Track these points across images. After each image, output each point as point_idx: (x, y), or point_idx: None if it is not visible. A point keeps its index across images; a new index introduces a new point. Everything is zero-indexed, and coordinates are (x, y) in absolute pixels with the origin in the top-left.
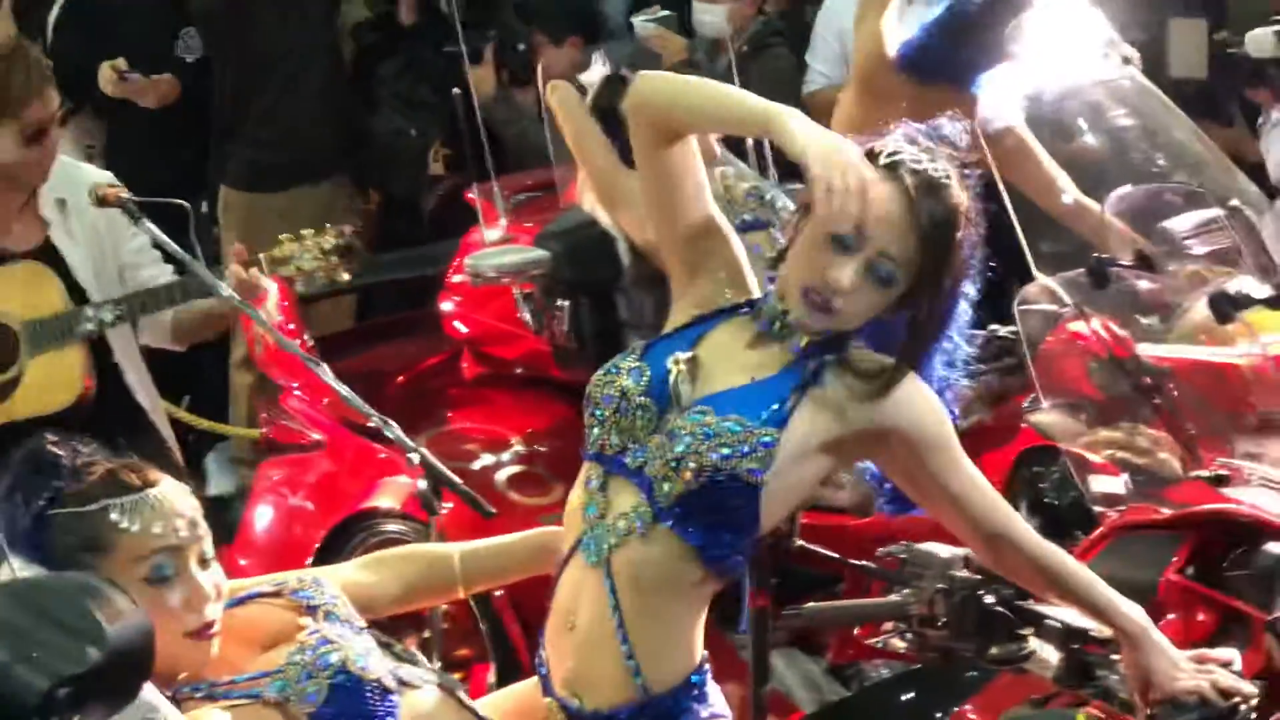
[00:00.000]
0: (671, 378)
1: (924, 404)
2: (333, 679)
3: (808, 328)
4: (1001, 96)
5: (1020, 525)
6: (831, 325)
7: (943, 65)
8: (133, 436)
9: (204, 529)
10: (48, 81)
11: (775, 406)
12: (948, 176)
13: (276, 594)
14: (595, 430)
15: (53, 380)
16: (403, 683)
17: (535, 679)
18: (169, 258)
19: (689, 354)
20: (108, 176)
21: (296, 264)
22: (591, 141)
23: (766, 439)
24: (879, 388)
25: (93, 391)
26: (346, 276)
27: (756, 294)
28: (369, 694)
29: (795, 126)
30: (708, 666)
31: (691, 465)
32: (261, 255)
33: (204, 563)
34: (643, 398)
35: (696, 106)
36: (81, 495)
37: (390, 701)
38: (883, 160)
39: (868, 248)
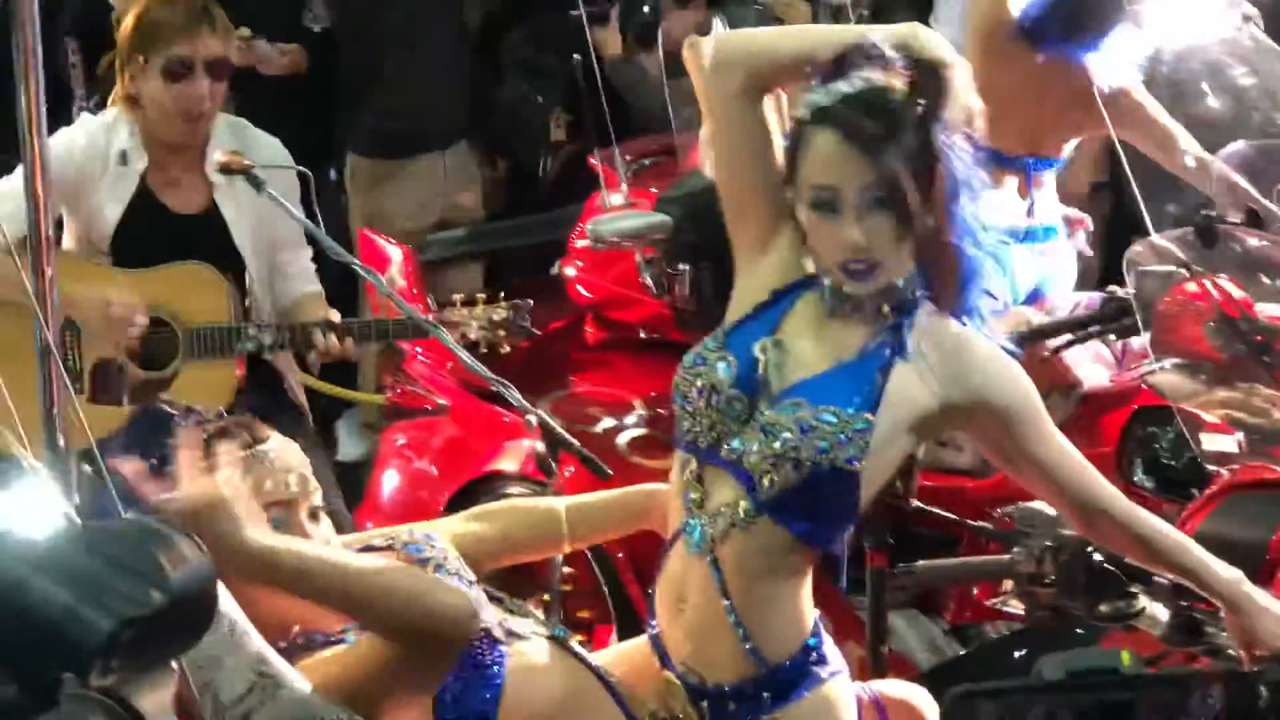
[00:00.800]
0: (760, 368)
1: (1009, 376)
2: None
3: (867, 294)
4: (1117, 57)
5: (1110, 493)
6: (883, 280)
7: (1058, 35)
8: (275, 409)
9: (314, 484)
10: (204, 22)
11: (866, 389)
12: (872, 88)
13: (388, 548)
14: (686, 423)
15: (207, 384)
16: (511, 634)
17: (636, 643)
18: (309, 238)
19: (774, 338)
20: (277, 144)
21: (463, 330)
22: None
23: (861, 425)
24: (961, 359)
25: (244, 385)
26: (508, 349)
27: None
28: (477, 643)
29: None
30: (821, 628)
31: (792, 460)
32: (431, 318)
33: (314, 516)
34: (733, 389)
35: (777, 44)
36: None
37: (498, 651)
38: (804, 115)
39: (848, 195)
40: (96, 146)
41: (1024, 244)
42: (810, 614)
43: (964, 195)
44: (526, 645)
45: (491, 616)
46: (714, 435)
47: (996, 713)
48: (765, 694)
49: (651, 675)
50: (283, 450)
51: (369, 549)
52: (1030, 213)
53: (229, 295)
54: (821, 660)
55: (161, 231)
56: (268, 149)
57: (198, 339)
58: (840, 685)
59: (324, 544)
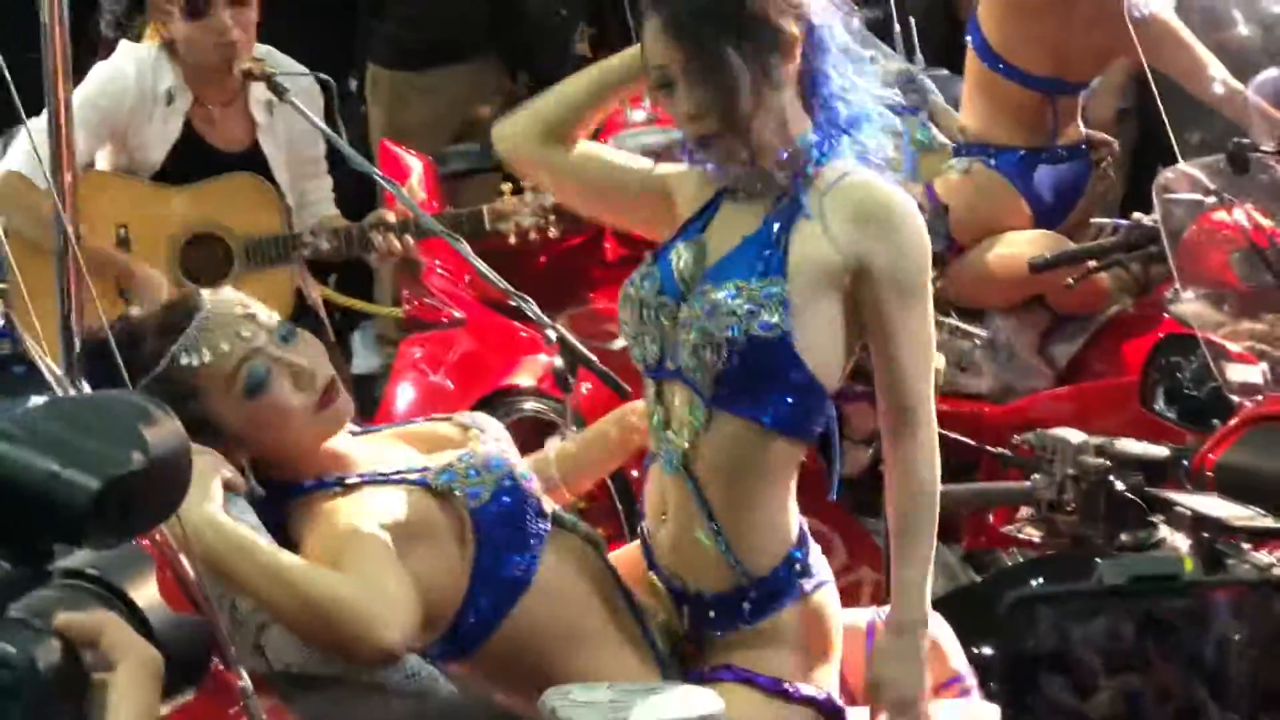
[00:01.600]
0: (675, 271)
1: (910, 241)
2: (499, 481)
3: (730, 165)
4: None
5: (924, 422)
6: (734, 149)
7: None
8: (297, 317)
9: (260, 311)
10: None
11: (767, 254)
12: None
13: (446, 418)
14: (633, 347)
15: (265, 295)
16: (555, 519)
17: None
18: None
19: (689, 240)
20: (302, 70)
21: (516, 219)
22: None
23: (771, 289)
24: (863, 214)
25: None
26: (554, 233)
27: None
28: (529, 508)
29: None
30: (809, 538)
31: (710, 345)
32: (485, 208)
33: (285, 339)
34: (659, 298)
35: (565, 96)
36: (149, 354)
37: (543, 524)
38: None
39: (674, 72)
40: (145, 82)
41: (1046, 162)
42: (794, 523)
43: (825, 57)
44: (564, 535)
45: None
46: (656, 350)
47: (1056, 618)
48: (745, 604)
49: (642, 576)
50: (220, 304)
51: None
52: (1054, 133)
53: (280, 205)
54: (806, 572)
55: (205, 169)
56: (305, 79)
57: (253, 249)
58: (825, 597)
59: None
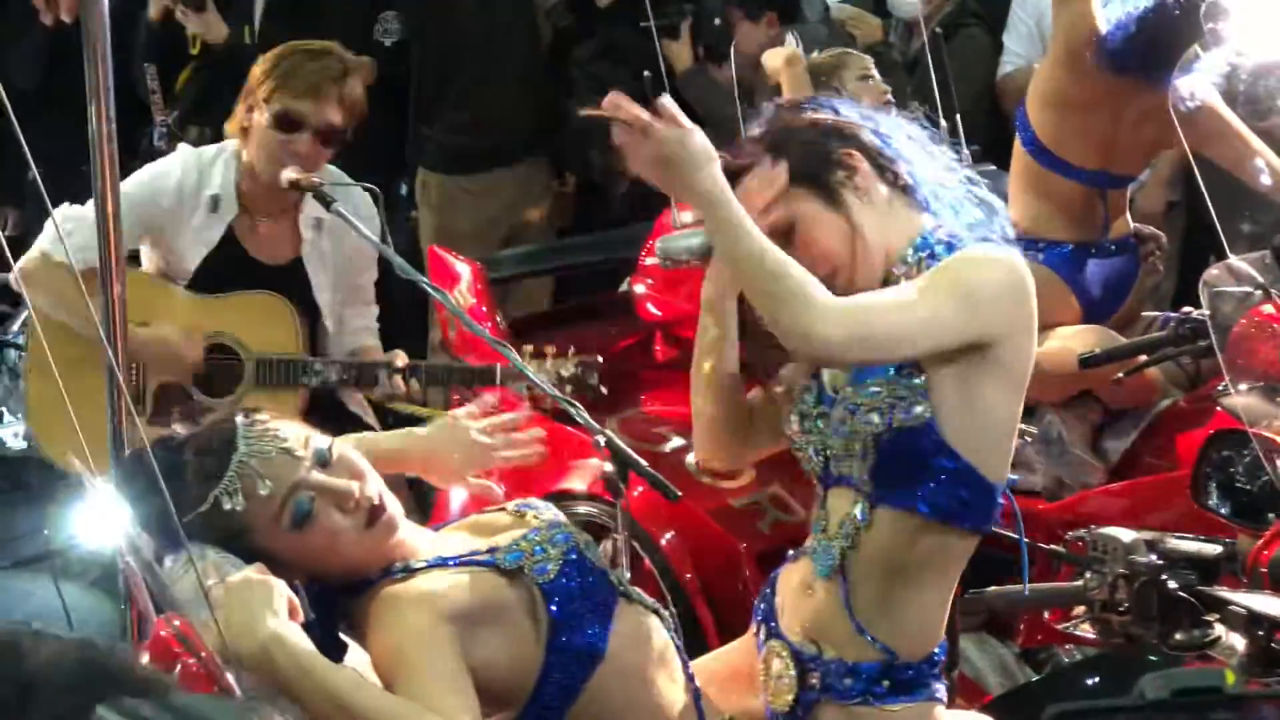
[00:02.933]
0: (825, 379)
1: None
2: (567, 554)
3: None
4: (1195, 76)
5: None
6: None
7: (1140, 58)
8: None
9: (298, 437)
10: (335, 87)
11: None
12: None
13: (501, 509)
14: (802, 460)
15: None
16: (626, 594)
17: (734, 643)
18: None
19: None
20: (367, 198)
21: (529, 386)
22: None
23: (911, 380)
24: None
25: (307, 408)
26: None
27: None
28: (598, 583)
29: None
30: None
31: (859, 442)
32: (498, 366)
33: (324, 464)
34: (817, 407)
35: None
36: (191, 496)
37: (613, 596)
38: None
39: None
40: (189, 185)
41: (1095, 257)
42: (942, 632)
43: (894, 152)
44: (634, 609)
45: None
46: (821, 459)
47: None
48: (886, 680)
49: (739, 671)
50: (255, 441)
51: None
52: (1104, 227)
53: (298, 328)
54: (939, 677)
55: (242, 280)
56: (357, 199)
57: (263, 368)
58: (941, 713)
59: (351, 473)
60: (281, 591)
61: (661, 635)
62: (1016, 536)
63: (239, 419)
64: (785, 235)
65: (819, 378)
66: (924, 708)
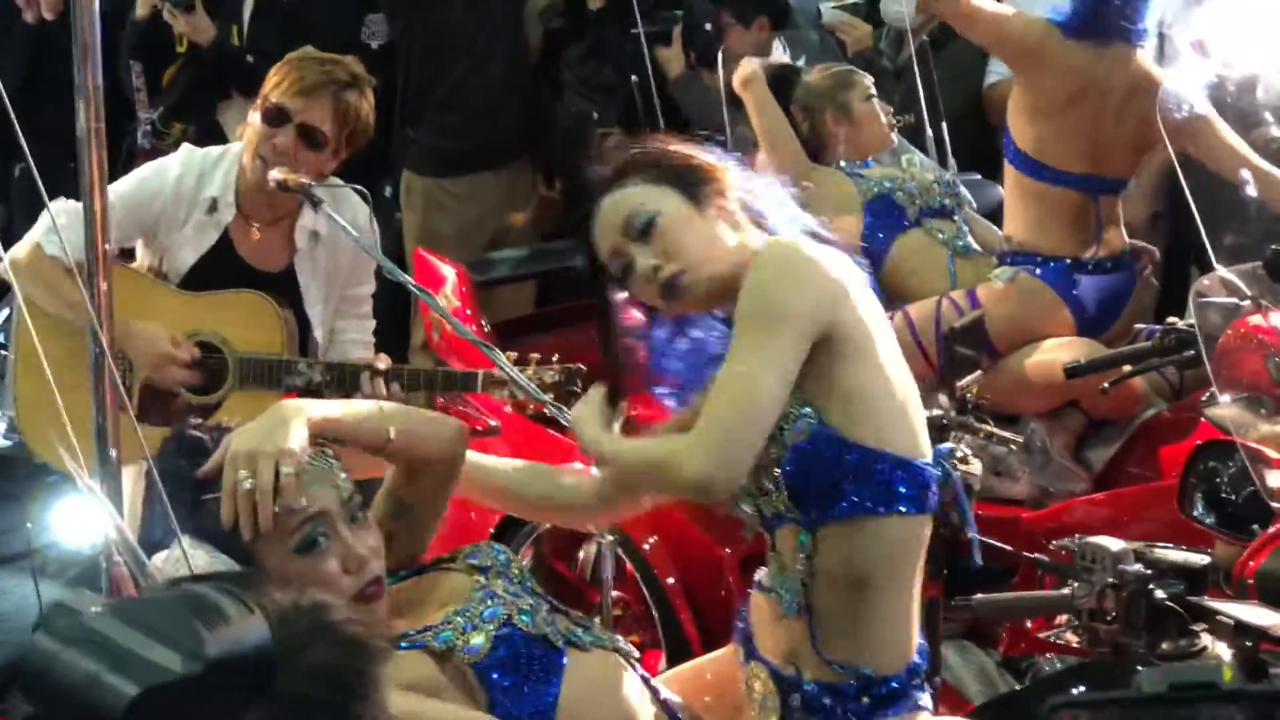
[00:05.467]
0: None
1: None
2: (498, 632)
3: (697, 307)
4: (1184, 85)
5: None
6: (691, 285)
7: (1108, 19)
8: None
9: (347, 490)
10: (331, 91)
11: None
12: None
13: (452, 559)
14: (743, 518)
15: (254, 413)
16: (571, 644)
17: (716, 654)
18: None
19: None
20: (353, 197)
21: (511, 390)
22: (780, 137)
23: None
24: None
25: None
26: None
27: None
28: (534, 649)
29: None
30: (921, 651)
31: (767, 478)
32: (480, 372)
33: (353, 522)
34: None
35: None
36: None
37: (558, 660)
38: None
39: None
40: (188, 185)
41: (1091, 273)
42: (916, 634)
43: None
44: (586, 656)
45: (550, 625)
46: (755, 508)
47: None
48: (865, 698)
49: (724, 685)
50: (309, 464)
51: (436, 564)
52: (1097, 236)
53: (284, 328)
54: (921, 687)
55: (233, 283)
56: (353, 208)
57: (247, 367)
58: None
59: (369, 549)
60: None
61: (623, 672)
62: (1002, 545)
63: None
64: (644, 232)
65: None
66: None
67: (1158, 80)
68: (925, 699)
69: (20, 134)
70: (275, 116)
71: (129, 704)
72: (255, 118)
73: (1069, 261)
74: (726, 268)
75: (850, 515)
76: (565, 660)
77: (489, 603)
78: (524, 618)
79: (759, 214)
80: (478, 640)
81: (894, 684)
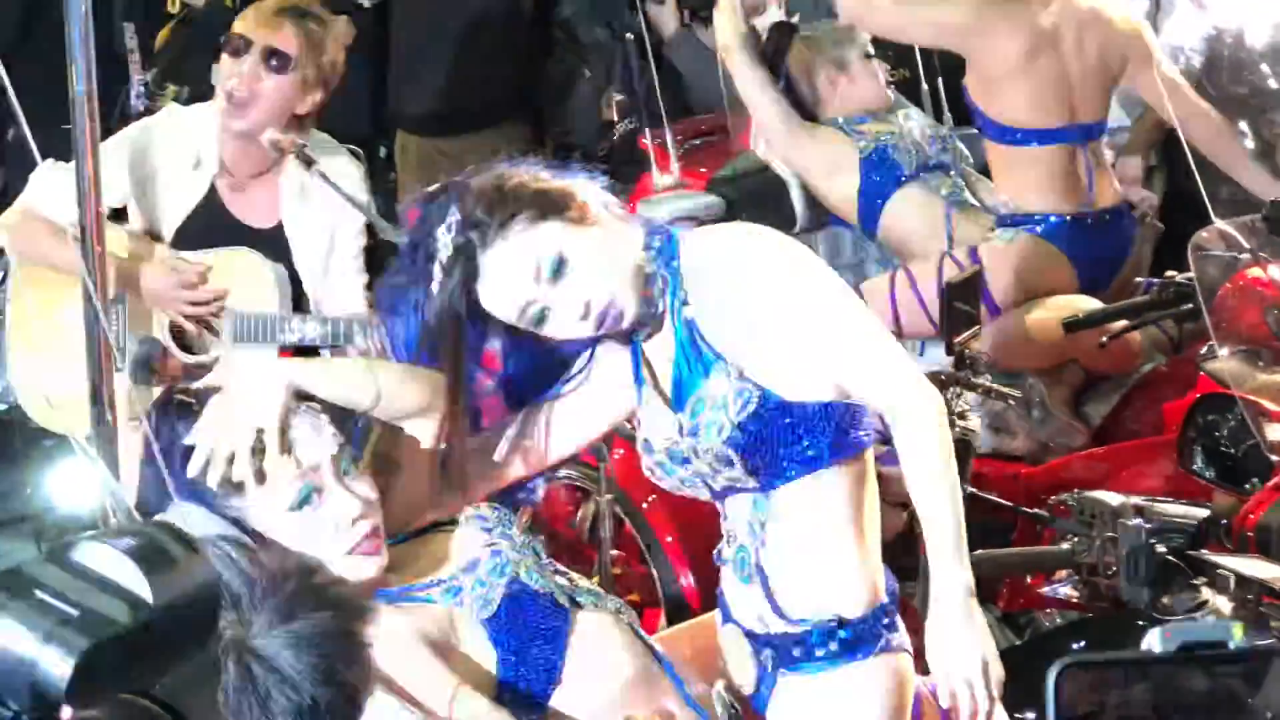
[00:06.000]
0: (656, 422)
1: (743, 262)
2: (506, 588)
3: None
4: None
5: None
6: (625, 308)
7: None
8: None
9: (335, 444)
10: (282, 19)
11: (694, 356)
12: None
13: (452, 522)
14: (692, 494)
15: None
16: (574, 602)
17: (703, 618)
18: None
19: (646, 390)
20: (347, 157)
21: None
22: (762, 103)
23: (729, 378)
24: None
25: None
26: None
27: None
28: (541, 606)
29: None
30: (897, 606)
31: (718, 458)
32: None
33: (346, 476)
34: (663, 451)
35: None
36: None
37: (562, 616)
38: None
39: (543, 270)
40: (173, 143)
41: (1091, 228)
42: (883, 577)
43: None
44: (589, 614)
45: (555, 583)
46: (702, 486)
47: (1106, 684)
48: (833, 643)
49: (707, 653)
50: (295, 419)
51: (440, 525)
52: (1090, 188)
53: (279, 285)
54: (893, 627)
55: (224, 240)
56: (339, 160)
57: (240, 324)
58: (906, 663)
59: (362, 501)
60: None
61: (622, 631)
62: (1002, 501)
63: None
64: (556, 274)
65: (648, 425)
66: (881, 661)
67: (1103, 10)
68: (898, 639)
69: (14, 97)
70: (238, 46)
71: (76, 660)
72: (222, 57)
73: (1069, 218)
74: (640, 277)
75: (804, 473)
76: (569, 618)
77: (496, 559)
78: (530, 575)
79: (614, 207)
80: (486, 595)
81: (861, 625)
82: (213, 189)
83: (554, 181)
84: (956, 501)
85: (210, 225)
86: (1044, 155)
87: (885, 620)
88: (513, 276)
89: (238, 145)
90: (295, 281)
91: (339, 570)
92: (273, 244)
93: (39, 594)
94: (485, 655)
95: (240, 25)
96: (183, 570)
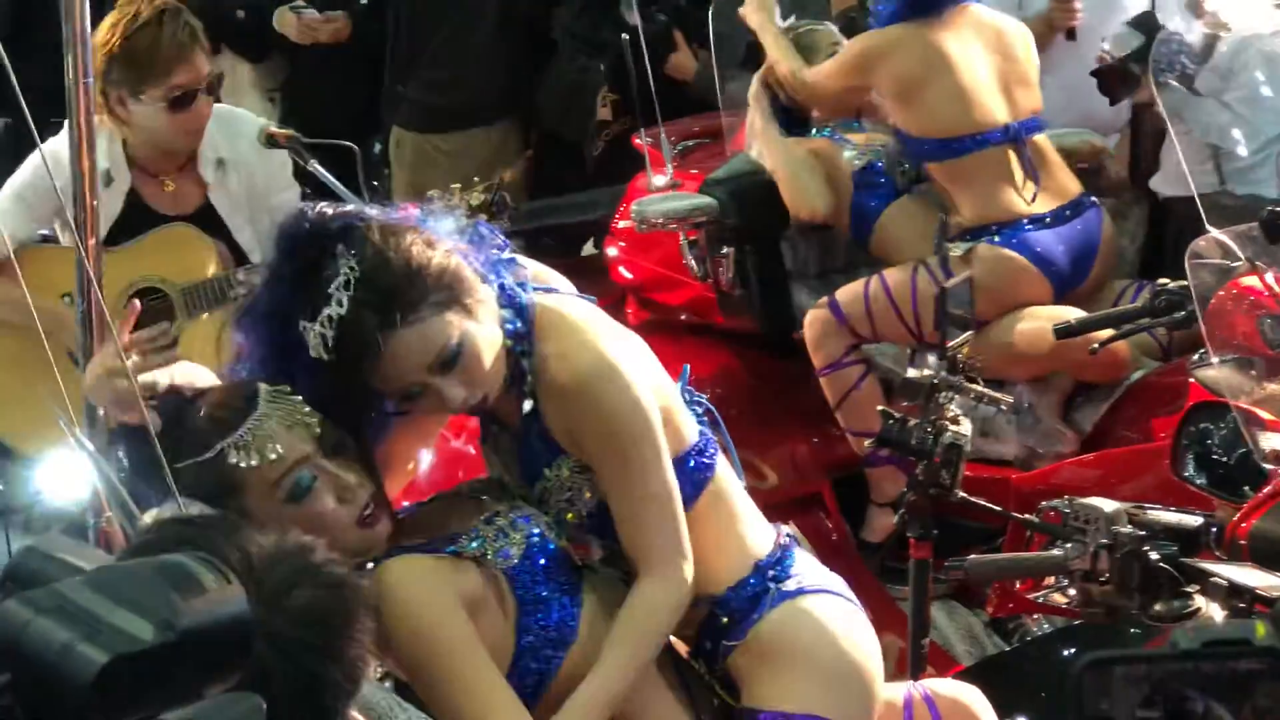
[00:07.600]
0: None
1: (605, 409)
2: (529, 538)
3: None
4: None
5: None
6: (492, 399)
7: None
8: None
9: (316, 425)
10: (194, 46)
11: (539, 440)
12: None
13: (457, 493)
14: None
15: (210, 345)
16: (586, 565)
17: None
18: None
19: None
20: (263, 122)
21: None
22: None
23: (565, 467)
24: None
25: None
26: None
27: None
28: (561, 560)
29: None
30: (786, 546)
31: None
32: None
33: (335, 451)
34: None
35: None
36: (196, 442)
37: (578, 576)
38: None
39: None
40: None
41: (1052, 228)
42: (756, 541)
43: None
44: (598, 578)
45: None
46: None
47: (1132, 680)
48: (725, 618)
49: None
50: (276, 407)
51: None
52: (1036, 182)
53: (218, 250)
54: (782, 576)
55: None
56: (254, 125)
57: (190, 296)
58: (817, 602)
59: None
60: None
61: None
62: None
63: (262, 384)
64: (450, 364)
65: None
66: (785, 610)
67: (999, 22)
68: (796, 583)
69: (17, 87)
70: (185, 98)
71: (98, 672)
72: (146, 109)
73: (1025, 221)
74: (505, 365)
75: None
76: (583, 581)
77: (517, 513)
78: (553, 529)
79: (479, 271)
80: (509, 548)
81: (746, 588)
82: (133, 193)
83: (446, 263)
84: (626, 673)
85: (140, 226)
86: (975, 162)
87: (773, 572)
88: (410, 363)
89: (155, 154)
90: (239, 255)
91: (349, 548)
92: (207, 224)
93: (67, 608)
94: (502, 608)
95: (173, 77)
96: (214, 599)
